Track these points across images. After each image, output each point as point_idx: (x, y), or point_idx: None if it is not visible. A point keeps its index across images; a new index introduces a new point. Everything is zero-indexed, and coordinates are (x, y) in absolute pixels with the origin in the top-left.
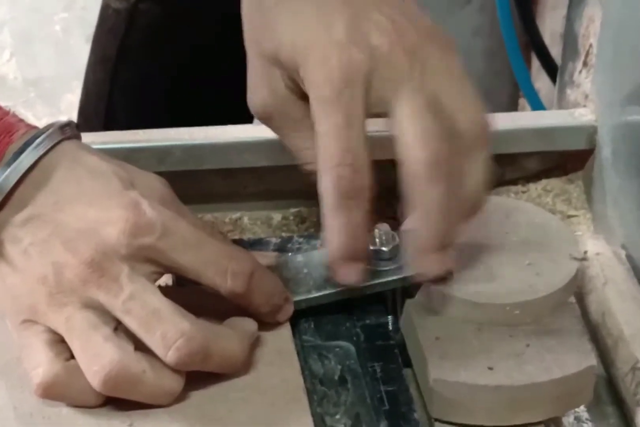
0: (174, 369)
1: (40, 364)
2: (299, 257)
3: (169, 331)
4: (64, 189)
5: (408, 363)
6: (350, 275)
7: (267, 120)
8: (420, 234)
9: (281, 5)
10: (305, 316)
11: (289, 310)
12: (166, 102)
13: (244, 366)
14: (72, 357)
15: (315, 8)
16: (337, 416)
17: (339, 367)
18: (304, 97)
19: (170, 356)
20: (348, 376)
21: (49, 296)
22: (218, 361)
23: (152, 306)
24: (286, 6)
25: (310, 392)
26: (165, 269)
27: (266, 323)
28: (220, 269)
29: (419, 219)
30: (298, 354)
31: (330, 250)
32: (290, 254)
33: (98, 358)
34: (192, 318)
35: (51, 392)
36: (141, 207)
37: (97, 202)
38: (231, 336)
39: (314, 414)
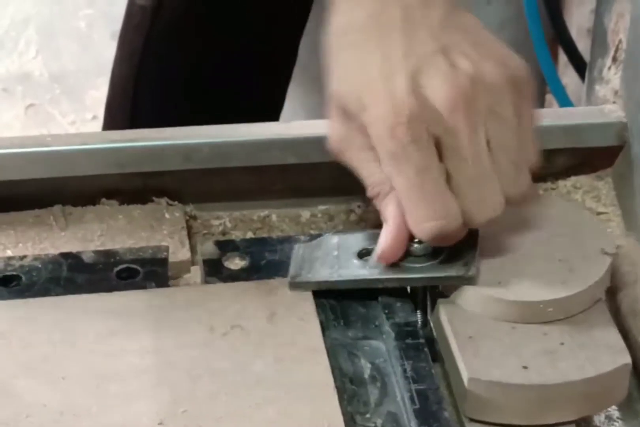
0: None
1: None
2: (335, 238)
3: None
4: None
5: (436, 358)
6: None
7: (343, 153)
8: None
9: (344, 51)
10: (335, 314)
11: None
12: (190, 98)
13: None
14: None
15: (379, 60)
16: (368, 415)
17: (369, 365)
18: None
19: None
20: (378, 374)
21: None
22: None
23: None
24: (348, 54)
25: (340, 391)
26: None
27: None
28: None
29: None
30: (328, 352)
31: None
32: (329, 233)
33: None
34: None
35: None
36: None
37: None
38: None
39: (344, 413)
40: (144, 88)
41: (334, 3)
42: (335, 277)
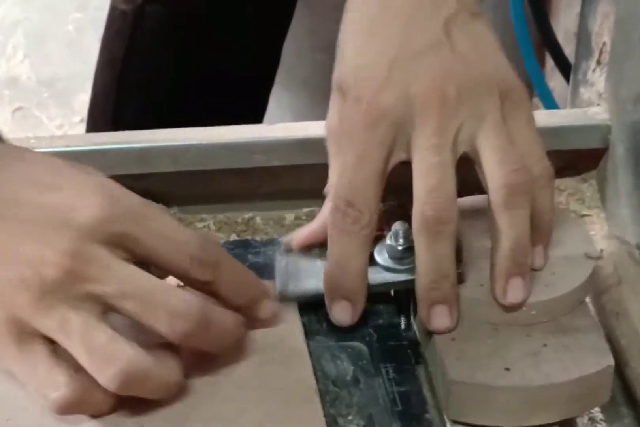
0: (173, 359)
1: (59, 385)
2: (316, 249)
3: (175, 304)
4: (13, 182)
5: (419, 360)
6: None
7: (328, 139)
8: (500, 258)
9: (351, 34)
10: (317, 316)
11: (269, 306)
12: (171, 104)
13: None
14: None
15: (374, 48)
16: (350, 417)
17: (352, 367)
18: None
19: (180, 327)
20: (361, 376)
21: (34, 300)
22: (216, 334)
23: (148, 285)
24: (354, 37)
25: (322, 393)
26: (137, 256)
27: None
28: (188, 258)
29: (498, 240)
30: (310, 354)
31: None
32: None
33: (110, 360)
34: (188, 290)
35: (72, 411)
36: (113, 192)
37: (61, 189)
38: (224, 311)
39: (326, 415)
40: (126, 94)
41: None
42: (321, 286)
